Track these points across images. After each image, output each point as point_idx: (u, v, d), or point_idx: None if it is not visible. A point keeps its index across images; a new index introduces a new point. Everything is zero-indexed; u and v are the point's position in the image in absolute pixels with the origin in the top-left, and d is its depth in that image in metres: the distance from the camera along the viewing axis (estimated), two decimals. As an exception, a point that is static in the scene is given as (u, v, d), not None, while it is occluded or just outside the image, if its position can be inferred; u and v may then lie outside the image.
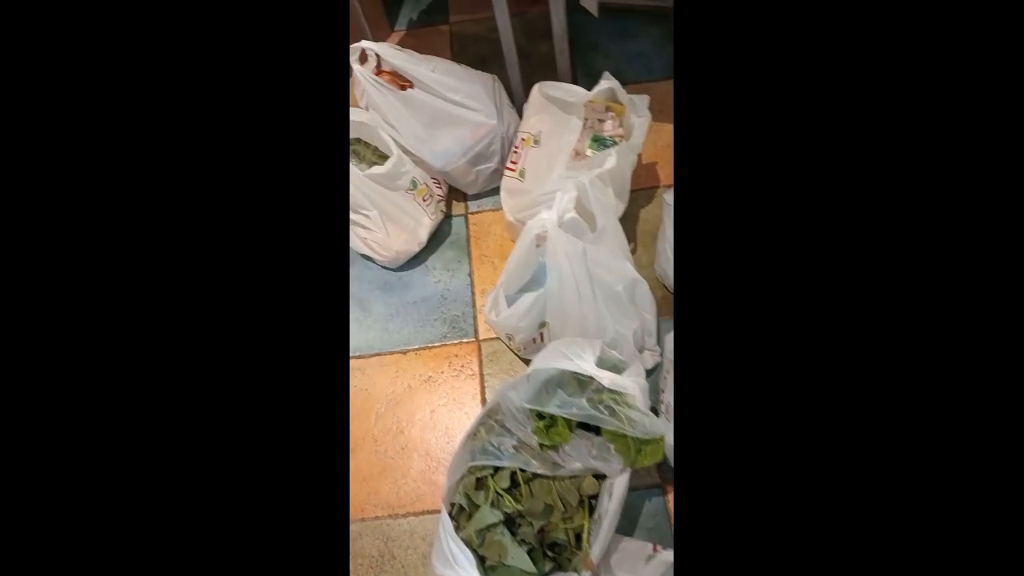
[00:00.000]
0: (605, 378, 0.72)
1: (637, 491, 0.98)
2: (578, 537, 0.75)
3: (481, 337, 1.17)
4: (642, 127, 1.04)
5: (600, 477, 0.78)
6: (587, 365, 0.73)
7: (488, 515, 0.72)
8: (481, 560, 0.71)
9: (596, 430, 0.77)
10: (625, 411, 0.72)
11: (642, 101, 1.07)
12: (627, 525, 0.96)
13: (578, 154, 1.11)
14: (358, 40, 1.13)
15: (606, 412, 0.72)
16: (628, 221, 1.22)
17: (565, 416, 0.73)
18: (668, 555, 0.78)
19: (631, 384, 0.73)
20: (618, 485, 0.75)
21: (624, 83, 1.11)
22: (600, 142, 1.11)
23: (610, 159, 0.94)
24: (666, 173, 1.29)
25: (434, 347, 1.17)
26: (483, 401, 1.12)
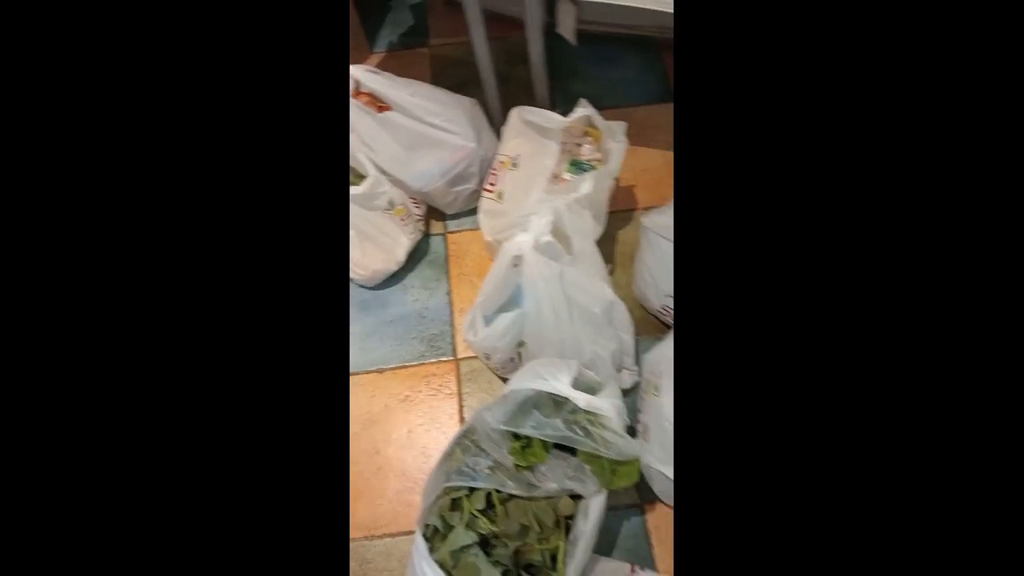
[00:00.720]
0: (580, 399, 0.73)
1: (616, 511, 0.99)
2: (554, 558, 0.75)
3: (459, 356, 1.18)
4: (618, 153, 1.07)
5: (577, 498, 0.79)
6: (562, 386, 0.74)
7: (462, 536, 0.72)
8: (455, 583, 0.71)
9: (572, 451, 0.78)
10: (600, 432, 0.73)
11: (619, 127, 1.09)
12: (606, 545, 0.97)
13: (556, 177, 1.13)
14: (339, 62, 1.14)
15: (581, 433, 0.73)
16: (606, 243, 1.24)
17: (540, 437, 0.74)
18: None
19: (606, 405, 0.74)
20: (594, 506, 0.76)
21: (603, 108, 1.14)
22: (578, 166, 1.13)
23: (585, 184, 0.96)
24: (644, 196, 1.32)
25: (411, 366, 1.17)
26: (461, 421, 1.12)
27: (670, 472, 0.88)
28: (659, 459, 0.89)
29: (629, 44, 1.54)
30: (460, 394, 1.14)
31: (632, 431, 0.95)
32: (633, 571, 0.87)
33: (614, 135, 1.10)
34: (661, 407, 0.90)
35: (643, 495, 1.00)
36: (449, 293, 1.25)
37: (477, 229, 1.29)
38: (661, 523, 0.99)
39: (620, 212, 1.29)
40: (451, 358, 1.18)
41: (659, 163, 1.37)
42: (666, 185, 1.32)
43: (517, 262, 0.91)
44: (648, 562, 0.96)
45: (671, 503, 0.98)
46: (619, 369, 1.07)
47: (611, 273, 1.22)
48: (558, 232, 0.92)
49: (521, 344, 1.00)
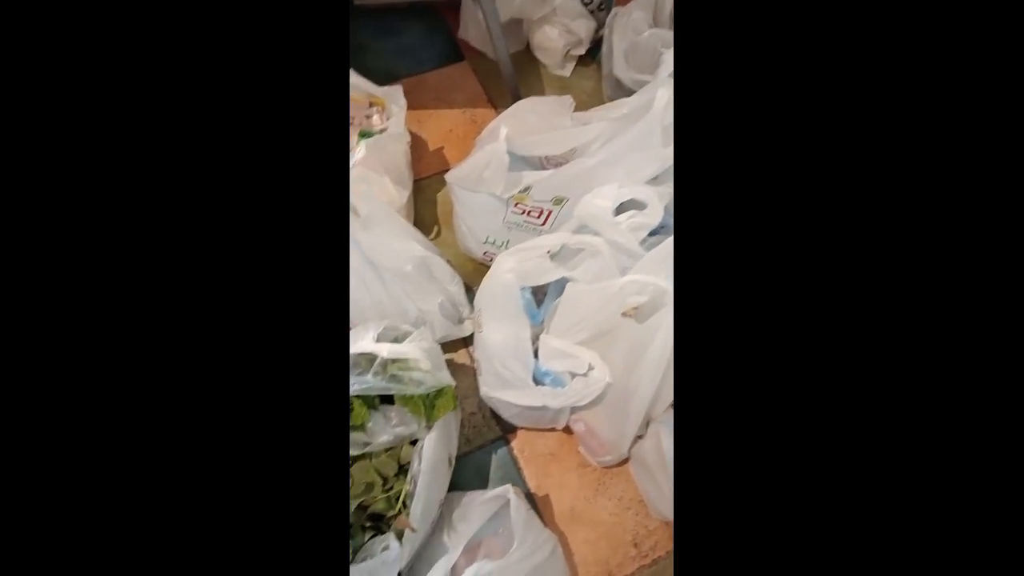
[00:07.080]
0: (384, 349, 0.77)
1: (483, 449, 1.05)
2: (403, 503, 0.79)
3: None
4: (399, 116, 1.10)
5: (416, 442, 0.83)
6: (366, 343, 0.77)
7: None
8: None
9: (392, 400, 0.81)
10: (409, 374, 0.77)
11: (396, 91, 1.12)
12: (479, 481, 1.02)
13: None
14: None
15: (392, 380, 0.76)
16: (428, 206, 1.29)
17: (355, 395, 0.77)
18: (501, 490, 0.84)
19: (411, 348, 0.78)
20: (427, 445, 0.80)
21: (399, 77, 1.18)
22: (366, 135, 1.15)
23: (359, 151, 0.99)
24: (453, 155, 1.36)
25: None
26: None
27: (508, 396, 0.94)
28: (494, 387, 0.95)
29: (405, 13, 1.57)
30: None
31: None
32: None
33: (395, 100, 1.13)
34: (485, 341, 0.95)
35: (504, 426, 1.06)
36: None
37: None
38: (524, 446, 1.05)
39: (434, 176, 1.33)
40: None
41: (462, 121, 1.42)
42: (471, 140, 1.37)
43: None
44: (520, 483, 1.02)
45: (523, 425, 1.05)
46: (460, 320, 1.12)
47: (437, 234, 1.27)
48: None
49: (349, 320, 1.02)
